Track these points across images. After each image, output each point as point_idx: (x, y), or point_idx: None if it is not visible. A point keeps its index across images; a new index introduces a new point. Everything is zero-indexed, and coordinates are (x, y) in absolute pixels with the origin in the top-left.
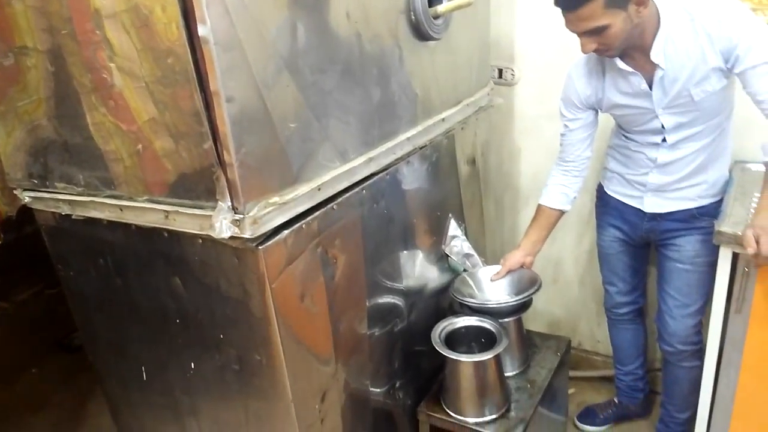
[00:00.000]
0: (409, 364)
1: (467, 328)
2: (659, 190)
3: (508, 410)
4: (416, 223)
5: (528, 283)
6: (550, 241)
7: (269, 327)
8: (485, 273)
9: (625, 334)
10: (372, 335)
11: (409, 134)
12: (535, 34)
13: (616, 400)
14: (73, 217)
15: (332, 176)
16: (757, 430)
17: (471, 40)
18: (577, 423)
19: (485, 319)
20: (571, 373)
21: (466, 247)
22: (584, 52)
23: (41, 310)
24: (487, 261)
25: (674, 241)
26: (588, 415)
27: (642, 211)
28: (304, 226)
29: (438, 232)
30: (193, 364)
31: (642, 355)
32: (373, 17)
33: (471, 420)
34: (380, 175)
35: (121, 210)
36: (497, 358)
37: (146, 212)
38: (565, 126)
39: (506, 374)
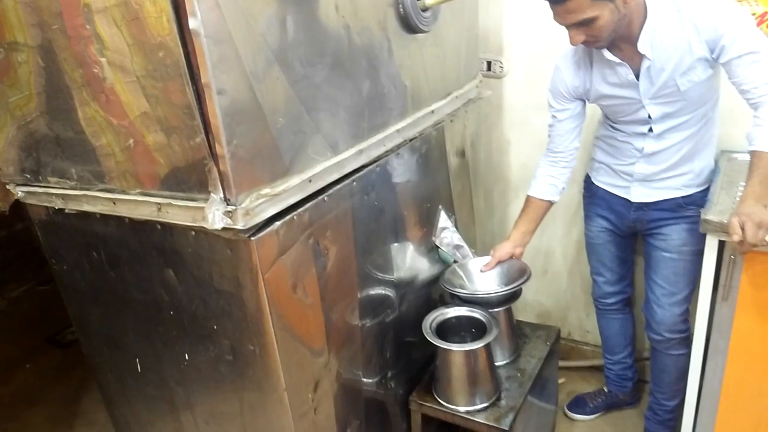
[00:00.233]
0: (401, 354)
1: (458, 318)
2: (646, 180)
3: (498, 399)
4: (406, 215)
5: (517, 274)
6: (539, 233)
7: (262, 317)
8: (475, 264)
9: (614, 323)
10: (364, 325)
11: (398, 126)
12: (524, 26)
13: (605, 389)
14: (66, 211)
15: (323, 168)
16: (744, 416)
17: (459, 32)
18: (568, 412)
19: (475, 310)
20: (561, 363)
21: (456, 238)
22: (573, 44)
23: (33, 307)
24: (477, 252)
25: (661, 230)
26: (578, 404)
27: (629, 200)
28: (295, 217)
29: (428, 224)
30: (187, 355)
31: (630, 344)
32: (362, 10)
33: (462, 408)
34: (370, 167)
35: (114, 203)
36: (487, 348)
37: (139, 205)
38: (553, 117)
39: (496, 363)
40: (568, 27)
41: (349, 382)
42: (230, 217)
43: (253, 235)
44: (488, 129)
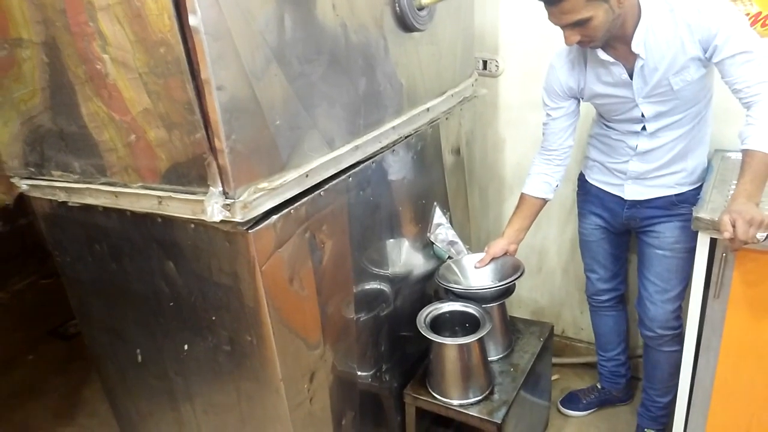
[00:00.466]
0: (396, 347)
1: (452, 313)
2: (639, 178)
3: (491, 393)
4: (402, 211)
5: (511, 270)
6: (533, 231)
7: (259, 309)
8: (470, 260)
9: (607, 320)
10: (359, 319)
11: (394, 123)
12: (519, 26)
13: (598, 386)
14: (69, 204)
15: (319, 163)
16: (735, 413)
17: (455, 31)
18: (561, 408)
19: (469, 305)
20: (555, 360)
21: (451, 234)
22: (568, 44)
23: (36, 300)
24: (472, 249)
25: (654, 227)
26: (571, 400)
27: (622, 198)
28: (292, 211)
29: (423, 220)
30: (186, 346)
31: (624, 341)
32: (358, 8)
33: (455, 402)
34: (366, 163)
35: (116, 196)
36: (481, 342)
37: (140, 198)
38: (548, 115)
39: (490, 358)
40: (563, 27)
41: (344, 374)
42: (229, 210)
43: (251, 227)
44: (483, 127)
